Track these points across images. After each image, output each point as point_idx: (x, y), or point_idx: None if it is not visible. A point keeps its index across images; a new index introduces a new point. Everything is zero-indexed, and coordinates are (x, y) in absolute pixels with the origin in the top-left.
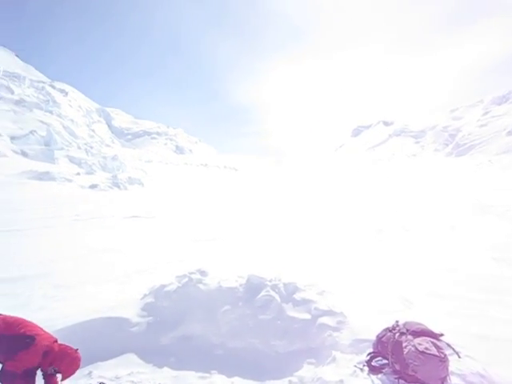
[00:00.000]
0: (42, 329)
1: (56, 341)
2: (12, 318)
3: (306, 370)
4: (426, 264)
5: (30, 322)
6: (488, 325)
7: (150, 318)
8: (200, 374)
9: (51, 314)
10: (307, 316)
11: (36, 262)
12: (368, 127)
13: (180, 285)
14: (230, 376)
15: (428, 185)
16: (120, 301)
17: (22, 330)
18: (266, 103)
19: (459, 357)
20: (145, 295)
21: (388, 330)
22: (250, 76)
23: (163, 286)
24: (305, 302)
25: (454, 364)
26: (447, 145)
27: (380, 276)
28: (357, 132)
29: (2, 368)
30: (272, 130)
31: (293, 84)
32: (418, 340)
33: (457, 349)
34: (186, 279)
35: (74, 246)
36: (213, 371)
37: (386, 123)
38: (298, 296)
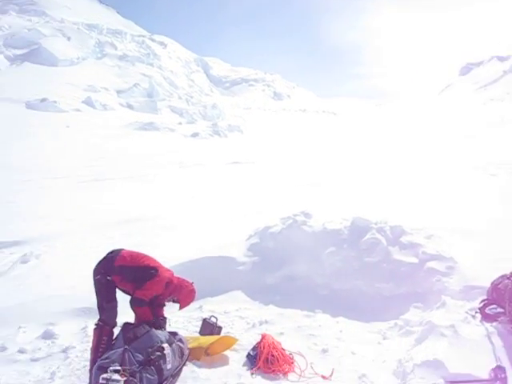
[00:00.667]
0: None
1: (173, 274)
2: (135, 252)
3: (413, 314)
4: None
5: (150, 256)
6: None
7: (256, 257)
8: (305, 313)
9: (164, 253)
10: (414, 260)
11: (148, 205)
12: (479, 64)
13: (284, 226)
14: (334, 316)
15: None
16: (227, 241)
17: (146, 262)
18: (368, 44)
19: None
20: (250, 236)
21: (505, 277)
22: (354, 16)
23: (268, 228)
24: (412, 246)
25: None
26: None
27: (493, 221)
28: (466, 70)
29: (132, 296)
30: (374, 71)
31: (397, 22)
32: None
33: None
34: (291, 221)
35: (181, 191)
36: (317, 310)
37: (500, 58)
38: (404, 239)
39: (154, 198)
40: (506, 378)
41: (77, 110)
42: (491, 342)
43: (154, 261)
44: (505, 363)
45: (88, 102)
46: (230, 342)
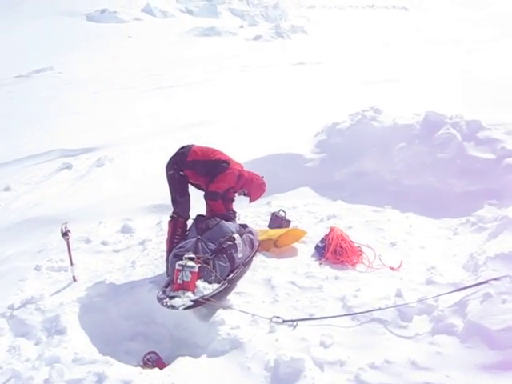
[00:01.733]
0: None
1: (243, 167)
2: (205, 147)
3: (487, 211)
4: None
5: (220, 150)
6: None
7: (324, 154)
8: (373, 208)
9: (231, 152)
10: (491, 156)
11: (214, 109)
12: None
13: (353, 122)
14: (403, 211)
15: None
16: (294, 139)
17: (217, 156)
18: None
19: None
20: (318, 133)
21: None
22: None
23: (336, 124)
24: (489, 142)
25: None
26: None
27: None
28: None
29: (207, 190)
30: None
31: None
32: None
33: None
34: (359, 116)
35: (245, 94)
36: (386, 206)
37: None
38: (481, 135)
39: (218, 102)
40: None
41: (137, 19)
42: None
43: (225, 155)
44: None
45: (147, 10)
46: (298, 235)
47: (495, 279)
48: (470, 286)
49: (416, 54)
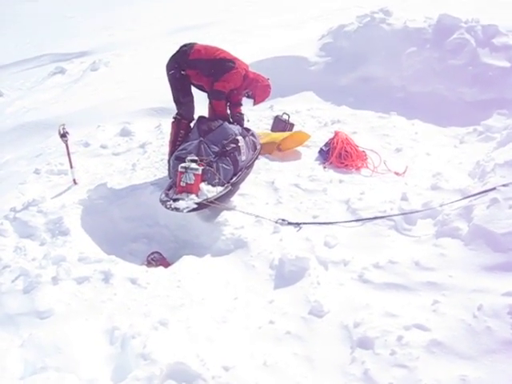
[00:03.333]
0: None
1: (248, 68)
2: (209, 45)
3: (496, 120)
4: None
5: (224, 49)
6: None
7: (329, 58)
8: (379, 114)
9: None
10: (506, 64)
11: (210, 11)
12: None
13: (361, 25)
14: (410, 118)
15: None
16: (298, 41)
17: (222, 55)
18: None
19: None
20: (323, 36)
21: None
22: None
23: (342, 26)
24: (506, 48)
25: None
26: None
27: None
28: None
29: (211, 88)
30: None
31: None
32: None
33: None
34: (368, 19)
35: None
36: (392, 112)
37: None
38: (497, 41)
39: (216, 4)
40: None
41: None
42: None
43: (230, 54)
44: None
45: None
46: (302, 138)
47: (504, 185)
48: (479, 193)
49: None
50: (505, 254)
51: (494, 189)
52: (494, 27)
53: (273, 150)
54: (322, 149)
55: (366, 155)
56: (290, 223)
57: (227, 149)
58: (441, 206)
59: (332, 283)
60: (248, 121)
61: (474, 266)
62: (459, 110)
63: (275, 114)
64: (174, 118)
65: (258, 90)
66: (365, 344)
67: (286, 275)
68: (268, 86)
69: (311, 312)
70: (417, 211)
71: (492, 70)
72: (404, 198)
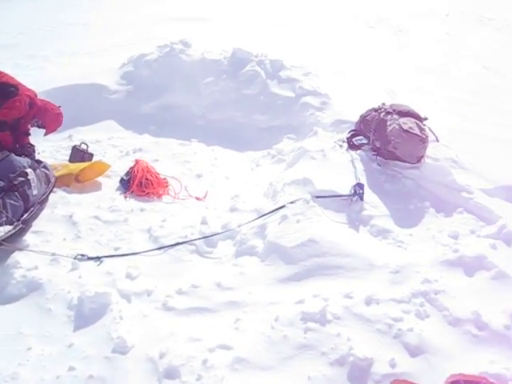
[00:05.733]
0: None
1: (36, 95)
2: None
3: (286, 144)
4: (414, 63)
5: (7, 73)
6: (470, 122)
7: (130, 86)
8: (180, 142)
9: (26, 80)
10: (291, 94)
11: (2, 33)
12: None
13: (161, 54)
14: (209, 145)
15: None
16: (98, 69)
17: (4, 79)
18: None
19: (438, 141)
20: (124, 64)
21: (373, 109)
22: None
23: (143, 55)
24: (290, 81)
25: (430, 148)
26: None
27: (367, 67)
28: None
29: None
30: None
31: None
32: (403, 119)
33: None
34: (168, 49)
35: (45, 19)
36: (193, 139)
37: None
38: (283, 74)
39: (10, 26)
40: (363, 193)
41: None
42: (354, 166)
43: (13, 78)
44: (363, 183)
45: None
46: (102, 168)
47: (291, 202)
48: (271, 211)
49: None
50: (295, 266)
51: (284, 206)
52: (280, 62)
53: (70, 181)
54: (122, 178)
55: (167, 182)
56: (89, 258)
57: (15, 183)
58: (239, 226)
59: (135, 316)
60: (39, 153)
61: (270, 280)
62: (254, 136)
63: (73, 144)
64: None
65: (49, 118)
66: (171, 374)
67: (86, 314)
68: (60, 114)
69: (115, 350)
70: (217, 233)
71: (280, 99)
72: (204, 222)
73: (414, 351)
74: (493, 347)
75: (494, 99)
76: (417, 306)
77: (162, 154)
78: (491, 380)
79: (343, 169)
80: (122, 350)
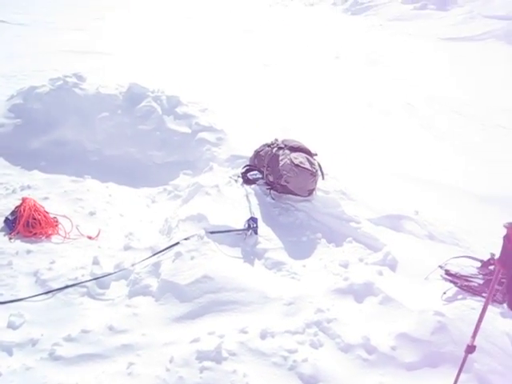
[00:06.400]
0: None
1: None
2: None
3: (182, 180)
4: (307, 101)
5: None
6: (358, 156)
7: (18, 120)
8: (73, 178)
9: None
10: (187, 130)
11: None
12: None
13: (53, 87)
14: (104, 181)
15: (324, 34)
16: None
17: None
18: None
19: (323, 178)
20: (12, 96)
21: (267, 145)
22: None
23: (34, 88)
24: (186, 117)
25: (321, 181)
26: (346, 1)
27: (262, 103)
28: None
29: None
30: None
31: None
32: (294, 154)
33: (324, 171)
34: (61, 82)
35: None
36: (86, 176)
37: None
38: (179, 110)
39: None
40: (257, 227)
41: None
42: (248, 201)
43: None
44: (258, 216)
45: None
46: None
47: (185, 239)
48: (165, 249)
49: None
50: (190, 303)
51: (178, 243)
52: (176, 98)
53: None
54: (7, 218)
55: (57, 221)
56: None
57: None
58: (132, 265)
59: (17, 370)
60: None
61: (164, 319)
62: (151, 172)
63: None
64: None
65: None
66: None
67: None
68: None
69: None
70: (109, 274)
71: (176, 135)
72: (95, 262)
73: (309, 381)
74: (381, 369)
75: (378, 135)
76: (311, 336)
77: (53, 192)
78: None
79: (237, 203)
80: None
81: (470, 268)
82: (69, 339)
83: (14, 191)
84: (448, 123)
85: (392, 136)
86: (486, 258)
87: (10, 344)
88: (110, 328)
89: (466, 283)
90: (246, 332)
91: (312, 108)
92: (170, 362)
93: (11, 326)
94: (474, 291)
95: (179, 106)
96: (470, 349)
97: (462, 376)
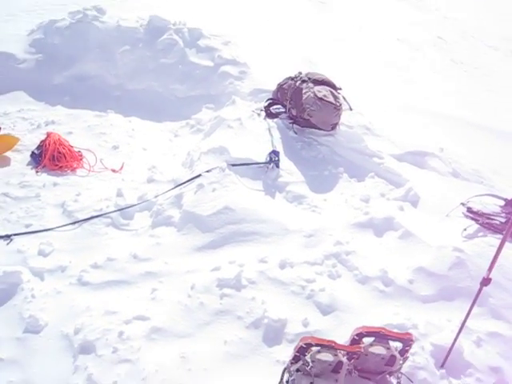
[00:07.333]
0: None
1: None
2: None
3: (204, 113)
4: (333, 33)
5: None
6: (383, 91)
7: (40, 55)
8: (96, 113)
9: None
10: (210, 63)
11: None
12: None
13: (74, 21)
14: (126, 116)
15: None
16: (3, 36)
17: None
18: None
19: (351, 109)
20: (32, 31)
21: (290, 78)
22: None
23: (54, 22)
24: (209, 50)
25: (345, 116)
26: None
27: (286, 36)
28: None
29: None
30: None
31: None
32: (318, 88)
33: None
34: (81, 15)
35: None
36: (109, 110)
37: None
38: (202, 43)
39: None
40: (278, 160)
41: None
42: (271, 134)
43: None
44: (280, 150)
45: None
46: (10, 143)
47: (207, 171)
48: (188, 181)
49: None
50: (211, 234)
51: (200, 175)
52: (199, 30)
53: None
54: (33, 152)
55: (81, 155)
56: None
57: None
58: (155, 197)
59: (49, 293)
60: None
61: (186, 249)
62: (173, 106)
63: None
64: None
65: None
66: (86, 349)
67: None
68: None
69: (27, 330)
70: (132, 205)
71: (199, 68)
72: (119, 194)
73: (326, 310)
74: (397, 300)
75: (406, 70)
76: (329, 267)
77: (77, 126)
78: (389, 329)
79: (260, 137)
80: (34, 329)
81: (492, 206)
82: (95, 266)
83: (38, 126)
84: (482, 59)
85: (421, 71)
86: (510, 196)
87: (41, 270)
88: (134, 256)
89: (488, 221)
90: (265, 262)
91: (338, 41)
92: (192, 288)
93: (42, 254)
94: (495, 229)
95: (201, 38)
96: (486, 281)
97: (477, 309)
